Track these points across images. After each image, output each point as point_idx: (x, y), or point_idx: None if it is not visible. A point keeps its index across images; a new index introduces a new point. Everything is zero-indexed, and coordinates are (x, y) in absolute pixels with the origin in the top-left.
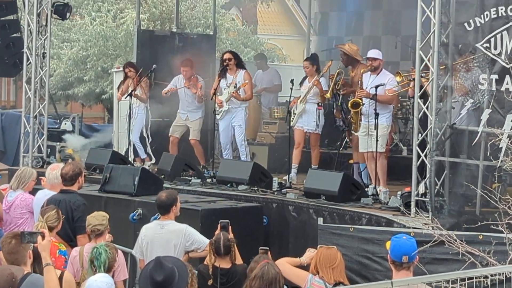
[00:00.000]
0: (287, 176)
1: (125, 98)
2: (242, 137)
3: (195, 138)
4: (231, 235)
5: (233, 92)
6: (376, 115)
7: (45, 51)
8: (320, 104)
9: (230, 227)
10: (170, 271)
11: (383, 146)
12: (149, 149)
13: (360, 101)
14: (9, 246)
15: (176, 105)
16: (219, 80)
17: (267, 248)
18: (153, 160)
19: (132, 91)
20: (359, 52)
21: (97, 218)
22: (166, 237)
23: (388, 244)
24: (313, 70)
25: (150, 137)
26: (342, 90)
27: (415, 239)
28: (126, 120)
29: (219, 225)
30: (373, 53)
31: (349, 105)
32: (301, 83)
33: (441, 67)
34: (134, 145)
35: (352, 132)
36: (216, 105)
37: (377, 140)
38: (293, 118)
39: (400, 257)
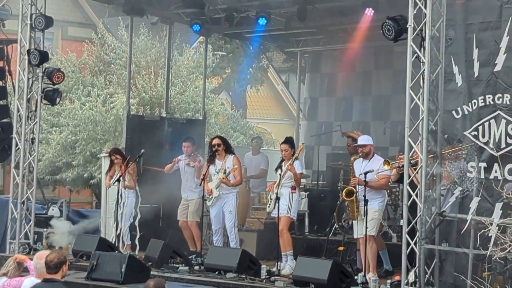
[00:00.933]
0: (276, 264)
1: (113, 183)
2: (232, 223)
3: (192, 220)
4: None
5: (222, 178)
6: (366, 201)
7: (34, 136)
8: (293, 187)
9: None
10: None
11: (374, 230)
12: (136, 240)
13: (354, 189)
14: None
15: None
16: (208, 166)
17: None
18: (135, 251)
19: (120, 176)
20: None
21: None
22: None
23: None
24: (290, 153)
25: (138, 229)
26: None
27: None
28: (114, 206)
29: None
30: (362, 139)
31: (343, 194)
32: (277, 168)
33: (429, 155)
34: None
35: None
36: (205, 193)
37: (366, 227)
38: (269, 204)
39: None
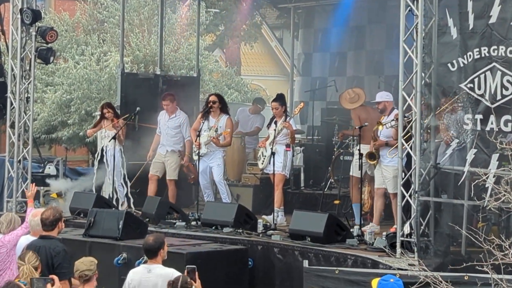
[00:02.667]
0: (273, 218)
1: (109, 141)
2: (220, 176)
3: (172, 178)
4: (198, 282)
5: (213, 138)
6: (378, 155)
7: (28, 95)
8: (288, 145)
9: (197, 272)
10: None
11: (395, 188)
12: (129, 193)
13: (375, 153)
14: None
15: None
16: (202, 122)
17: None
18: (127, 205)
19: (116, 133)
20: None
21: (85, 264)
22: (153, 281)
23: (374, 284)
24: (282, 111)
25: (128, 181)
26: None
27: (402, 282)
28: (104, 163)
29: (185, 270)
30: (377, 96)
31: (366, 156)
32: (269, 125)
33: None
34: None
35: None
36: (195, 147)
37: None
38: (262, 161)
39: None
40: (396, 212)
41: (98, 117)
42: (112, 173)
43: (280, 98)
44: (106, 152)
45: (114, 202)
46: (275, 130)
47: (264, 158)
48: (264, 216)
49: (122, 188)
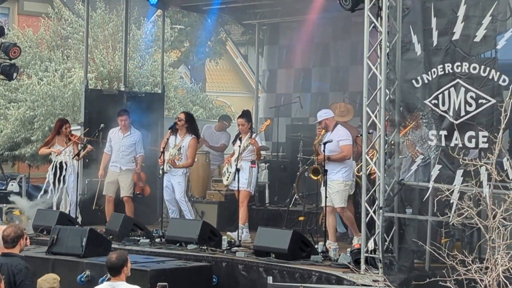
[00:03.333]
0: (237, 235)
1: (73, 158)
2: (181, 194)
3: (128, 195)
4: None
5: (169, 160)
6: (325, 171)
7: None
8: (253, 162)
9: None
10: None
11: (343, 202)
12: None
13: (319, 167)
14: None
15: None
16: (168, 137)
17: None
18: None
19: (80, 151)
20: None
21: (47, 281)
22: None
23: None
24: (248, 127)
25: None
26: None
27: None
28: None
29: None
30: (317, 115)
31: (310, 172)
32: (234, 141)
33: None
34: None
35: None
36: (159, 163)
37: (326, 197)
38: (227, 178)
39: None
40: (349, 226)
41: (51, 134)
42: (72, 189)
43: (246, 115)
44: (66, 169)
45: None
46: (239, 146)
47: (229, 175)
48: (228, 233)
49: (74, 206)
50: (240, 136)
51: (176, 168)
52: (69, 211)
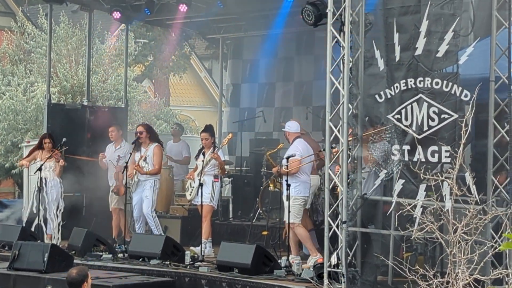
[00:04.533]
0: (200, 250)
1: (53, 171)
2: (149, 209)
3: (120, 207)
4: None
5: (135, 165)
6: (288, 186)
7: None
8: (216, 176)
9: None
10: None
11: (292, 217)
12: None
13: (274, 178)
14: None
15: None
16: (134, 153)
17: None
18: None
19: (60, 166)
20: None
21: None
22: None
23: None
24: (211, 142)
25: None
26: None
27: None
28: (35, 194)
29: None
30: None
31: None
32: (197, 156)
33: (351, 138)
34: (45, 220)
35: None
36: (128, 178)
37: (289, 211)
38: (191, 192)
39: None
40: (307, 242)
41: (33, 147)
42: (51, 204)
43: (209, 129)
44: (46, 184)
45: (45, 234)
46: (203, 161)
47: (192, 189)
48: (192, 248)
49: (54, 220)
50: (203, 150)
51: (146, 178)
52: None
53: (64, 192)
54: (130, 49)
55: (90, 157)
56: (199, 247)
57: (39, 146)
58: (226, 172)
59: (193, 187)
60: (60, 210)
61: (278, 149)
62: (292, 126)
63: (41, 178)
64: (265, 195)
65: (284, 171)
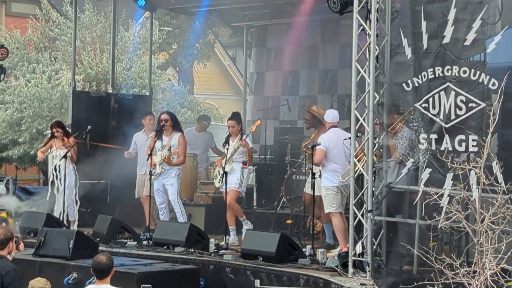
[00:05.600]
0: (224, 238)
1: (60, 160)
2: (175, 196)
3: (147, 194)
4: None
5: (164, 158)
6: (313, 174)
7: None
8: (245, 163)
9: None
10: None
11: (328, 207)
12: (76, 212)
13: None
14: None
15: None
16: (155, 141)
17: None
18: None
19: (67, 152)
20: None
21: (40, 282)
22: None
23: None
24: (238, 129)
25: (78, 200)
26: None
27: None
28: (56, 182)
29: None
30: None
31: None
32: (224, 144)
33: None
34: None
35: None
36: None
37: (313, 200)
38: (219, 180)
39: None
40: (338, 233)
41: (48, 137)
42: (64, 192)
43: (236, 117)
44: (59, 172)
45: (65, 222)
46: (227, 149)
47: (220, 177)
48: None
49: (72, 207)
50: (230, 137)
51: (171, 166)
52: (64, 214)
53: (88, 180)
54: (154, 37)
55: (115, 145)
56: (232, 234)
57: (52, 135)
58: (253, 160)
59: (221, 174)
60: (76, 195)
61: (311, 139)
62: (328, 115)
63: (55, 166)
64: (289, 183)
65: (313, 159)
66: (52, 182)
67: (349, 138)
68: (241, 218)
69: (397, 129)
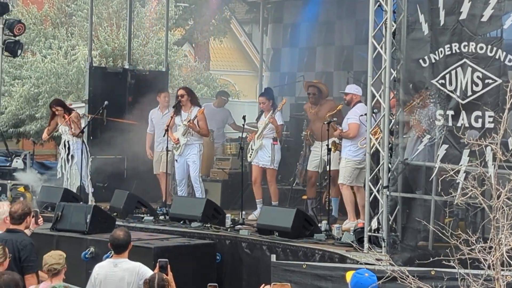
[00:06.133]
0: (241, 213)
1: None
2: (196, 173)
3: (164, 171)
4: (170, 275)
5: (189, 122)
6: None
7: None
8: (275, 139)
9: (169, 266)
10: None
11: (343, 178)
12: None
13: (335, 142)
14: None
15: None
16: (173, 117)
17: (216, 284)
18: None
19: (80, 131)
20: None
21: (53, 257)
22: (119, 276)
23: (348, 276)
24: (269, 105)
25: (89, 175)
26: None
27: (376, 277)
28: (65, 159)
29: (157, 264)
30: (347, 88)
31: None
32: (258, 118)
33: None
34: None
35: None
36: (172, 143)
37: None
38: (251, 154)
39: None
40: (348, 205)
41: (50, 117)
42: (78, 164)
43: (266, 93)
44: (69, 147)
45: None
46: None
47: (252, 152)
48: None
49: (85, 181)
50: (263, 113)
51: (193, 139)
52: (80, 186)
53: (105, 155)
54: (170, 12)
55: (132, 120)
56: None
57: (54, 114)
58: (281, 136)
59: (253, 150)
60: (87, 168)
61: (338, 109)
62: (359, 90)
63: (64, 142)
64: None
65: (344, 134)
66: (66, 158)
67: (365, 114)
68: (274, 201)
69: (424, 105)
